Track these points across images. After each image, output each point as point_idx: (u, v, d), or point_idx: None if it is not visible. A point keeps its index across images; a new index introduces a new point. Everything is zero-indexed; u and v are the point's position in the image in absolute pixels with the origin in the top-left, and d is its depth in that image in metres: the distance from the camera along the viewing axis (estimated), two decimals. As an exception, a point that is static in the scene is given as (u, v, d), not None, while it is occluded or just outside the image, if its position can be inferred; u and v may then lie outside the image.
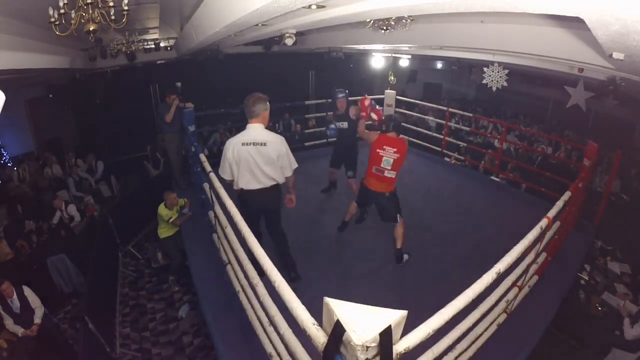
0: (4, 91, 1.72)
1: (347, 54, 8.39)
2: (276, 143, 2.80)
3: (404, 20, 4.28)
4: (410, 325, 1.24)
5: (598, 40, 2.04)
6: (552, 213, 2.56)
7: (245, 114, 2.93)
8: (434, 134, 6.89)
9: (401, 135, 3.62)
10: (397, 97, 6.90)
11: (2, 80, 4.11)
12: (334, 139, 4.74)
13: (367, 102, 4.15)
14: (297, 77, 10.98)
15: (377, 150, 3.44)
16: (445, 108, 7.07)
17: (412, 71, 10.66)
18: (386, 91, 6.91)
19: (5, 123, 7.23)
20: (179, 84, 5.73)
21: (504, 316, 2.65)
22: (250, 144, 2.77)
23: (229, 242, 2.66)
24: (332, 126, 4.62)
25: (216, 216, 3.01)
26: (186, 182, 5.28)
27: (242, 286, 2.67)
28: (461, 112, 7.24)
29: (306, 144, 6.85)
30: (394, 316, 1.12)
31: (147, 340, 4.60)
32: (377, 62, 8.07)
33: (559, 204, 2.76)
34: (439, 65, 11.75)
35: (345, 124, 4.54)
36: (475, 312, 2.01)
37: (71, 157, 7.33)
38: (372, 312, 1.13)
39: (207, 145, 7.19)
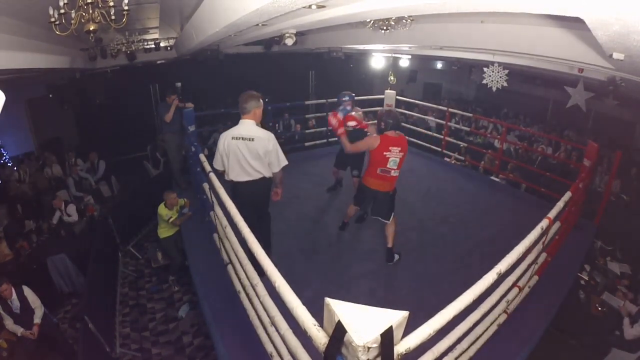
0: (4, 91, 1.72)
1: (347, 54, 8.38)
2: (263, 140, 2.90)
3: (404, 20, 4.28)
4: (410, 325, 1.24)
5: (598, 40, 2.04)
6: (552, 213, 2.56)
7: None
8: (434, 134, 6.89)
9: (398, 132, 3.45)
10: (397, 97, 6.90)
11: (2, 80, 4.11)
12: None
13: (338, 116, 3.70)
14: (297, 77, 10.97)
15: (383, 152, 3.28)
16: (445, 108, 7.08)
17: (412, 71, 10.67)
18: (386, 91, 6.91)
19: (5, 123, 7.23)
20: (179, 84, 5.74)
21: (504, 316, 2.65)
22: (240, 138, 2.90)
23: (229, 242, 2.67)
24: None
25: (216, 216, 3.01)
26: (186, 182, 5.29)
27: (242, 286, 2.67)
28: (461, 112, 7.24)
29: (306, 144, 6.85)
30: (395, 317, 1.12)
31: (147, 340, 4.60)
32: (377, 62, 8.06)
33: (560, 204, 2.77)
34: (439, 65, 11.74)
35: (350, 125, 4.56)
36: (475, 313, 2.01)
37: (71, 157, 7.32)
38: (373, 312, 1.13)
39: (207, 145, 7.19)
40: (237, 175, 2.97)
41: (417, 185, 5.26)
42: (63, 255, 5.13)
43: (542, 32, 3.50)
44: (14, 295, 3.79)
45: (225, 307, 2.99)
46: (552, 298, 3.16)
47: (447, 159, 6.79)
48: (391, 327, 1.09)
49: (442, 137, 6.55)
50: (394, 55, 7.83)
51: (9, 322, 3.73)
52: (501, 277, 1.92)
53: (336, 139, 4.73)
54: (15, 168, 7.04)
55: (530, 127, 9.57)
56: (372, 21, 4.28)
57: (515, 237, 2.15)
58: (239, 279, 2.71)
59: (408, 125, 7.34)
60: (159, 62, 7.76)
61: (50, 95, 7.65)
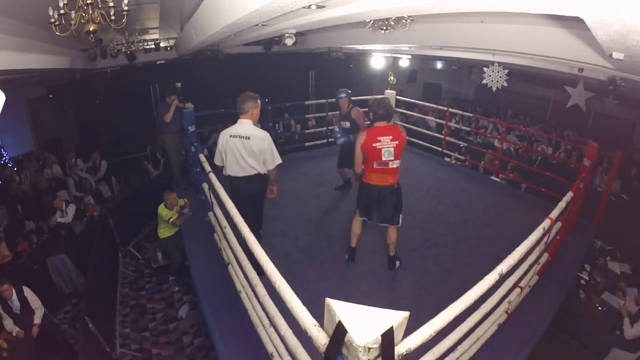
0: (4, 91, 1.71)
1: (347, 54, 8.39)
2: (259, 139, 3.06)
3: (404, 20, 4.28)
4: (409, 325, 1.24)
5: (598, 40, 2.04)
6: (554, 214, 2.56)
7: None
8: (434, 134, 6.89)
9: (395, 122, 3.27)
10: (397, 97, 6.90)
11: (2, 80, 4.11)
12: (343, 140, 4.49)
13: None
14: (297, 77, 10.98)
15: (372, 145, 3.00)
16: (445, 108, 7.08)
17: (412, 71, 10.65)
18: (386, 91, 6.91)
19: (5, 123, 7.23)
20: (179, 84, 5.73)
21: (504, 316, 2.65)
22: (237, 136, 3.07)
23: (228, 242, 2.67)
24: (337, 131, 4.57)
25: (216, 216, 3.01)
26: (186, 182, 5.28)
27: (242, 286, 2.67)
28: (461, 112, 7.24)
29: (306, 144, 6.85)
30: (396, 317, 1.12)
31: (147, 340, 4.60)
32: (377, 62, 8.06)
33: (562, 204, 2.76)
34: (439, 65, 11.76)
35: (347, 124, 4.59)
36: (476, 313, 2.01)
37: (71, 157, 7.32)
38: (374, 313, 1.13)
39: (207, 145, 7.19)
40: (234, 171, 3.15)
41: (417, 185, 5.26)
42: (63, 256, 5.12)
43: (542, 32, 3.50)
44: (15, 296, 3.79)
45: (225, 307, 2.99)
46: (552, 298, 3.16)
47: (447, 159, 6.79)
48: (392, 327, 1.09)
49: (442, 137, 6.55)
50: (393, 55, 7.83)
51: (7, 322, 3.73)
52: (503, 278, 1.92)
53: (343, 140, 4.66)
54: (15, 168, 7.04)
55: (530, 127, 9.59)
56: (372, 21, 4.28)
57: (515, 237, 2.15)
58: (239, 279, 2.70)
59: (408, 125, 7.35)
60: (159, 62, 7.76)
61: (50, 96, 7.65)
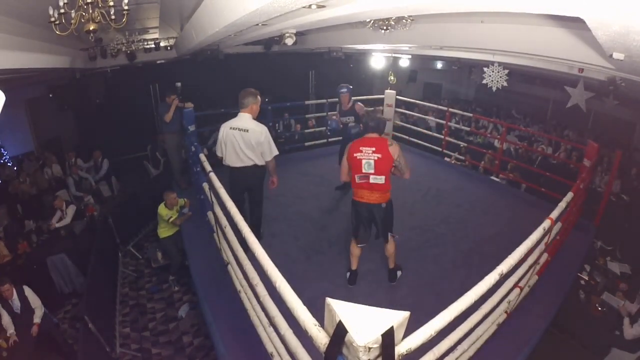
0: (4, 91, 1.72)
1: (347, 54, 8.39)
2: (257, 132, 3.26)
3: (404, 20, 4.28)
4: (409, 325, 1.24)
5: (598, 40, 2.04)
6: (554, 214, 2.55)
7: None
8: (434, 134, 6.89)
9: (386, 137, 3.12)
10: (397, 97, 6.90)
11: (2, 80, 4.11)
12: (356, 130, 4.39)
13: None
14: (297, 77, 10.96)
15: (354, 154, 2.89)
16: (445, 108, 7.08)
17: (412, 71, 10.67)
18: (386, 91, 6.91)
19: (5, 123, 7.21)
20: (178, 84, 5.74)
21: (504, 316, 2.65)
22: (236, 129, 3.27)
23: (228, 242, 2.67)
24: (333, 120, 4.61)
25: (216, 216, 3.01)
26: (186, 182, 5.28)
27: (242, 286, 2.67)
28: (461, 112, 7.24)
29: (306, 144, 6.85)
30: (396, 317, 1.12)
31: (147, 340, 4.60)
32: (377, 62, 8.06)
33: (562, 204, 2.76)
34: (439, 65, 11.75)
35: (351, 118, 4.61)
36: (476, 313, 2.01)
37: (71, 157, 7.31)
38: (374, 313, 1.13)
39: (207, 145, 7.19)
40: (232, 161, 3.36)
41: (417, 185, 5.26)
42: (63, 255, 5.12)
43: (542, 32, 3.50)
44: (15, 296, 3.80)
45: (225, 307, 2.99)
46: (552, 298, 3.16)
47: (447, 159, 6.78)
48: (392, 327, 1.09)
49: (442, 137, 6.55)
50: (394, 55, 7.83)
51: (6, 322, 3.73)
52: (503, 278, 1.92)
53: (335, 139, 4.72)
54: (15, 168, 7.03)
55: (530, 127, 9.58)
56: (372, 21, 4.28)
57: (515, 237, 2.15)
58: (239, 279, 2.70)
59: (408, 125, 7.35)
60: (159, 62, 7.76)
61: (50, 95, 7.63)
